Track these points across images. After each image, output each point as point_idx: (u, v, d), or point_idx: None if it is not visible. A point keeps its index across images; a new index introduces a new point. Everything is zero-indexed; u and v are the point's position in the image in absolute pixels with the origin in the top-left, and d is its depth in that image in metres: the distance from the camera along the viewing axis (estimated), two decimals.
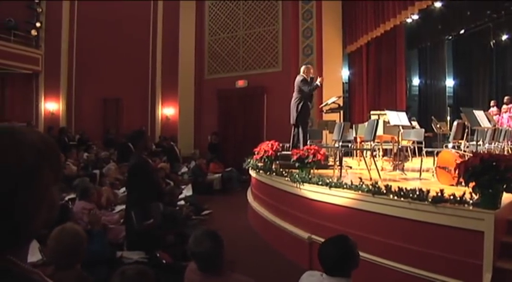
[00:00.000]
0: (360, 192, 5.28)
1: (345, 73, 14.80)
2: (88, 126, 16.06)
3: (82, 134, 14.88)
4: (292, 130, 8.86)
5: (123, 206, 6.78)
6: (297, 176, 6.54)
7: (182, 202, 8.72)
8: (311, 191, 6.21)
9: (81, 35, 17.07)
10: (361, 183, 5.31)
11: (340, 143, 7.43)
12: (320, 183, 6.00)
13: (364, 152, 8.19)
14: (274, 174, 7.49)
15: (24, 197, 0.92)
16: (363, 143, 9.13)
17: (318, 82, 8.62)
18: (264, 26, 14.96)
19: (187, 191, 9.88)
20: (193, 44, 16.42)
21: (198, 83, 16.38)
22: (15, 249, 0.95)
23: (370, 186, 5.14)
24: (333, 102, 9.10)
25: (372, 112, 10.23)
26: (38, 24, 16.94)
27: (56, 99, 17.23)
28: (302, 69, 8.88)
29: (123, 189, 8.54)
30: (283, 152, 8.28)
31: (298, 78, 8.71)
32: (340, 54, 14.15)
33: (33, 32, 16.88)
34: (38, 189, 0.96)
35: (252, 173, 9.04)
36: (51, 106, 17.21)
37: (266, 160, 8.04)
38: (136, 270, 2.70)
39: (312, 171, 6.86)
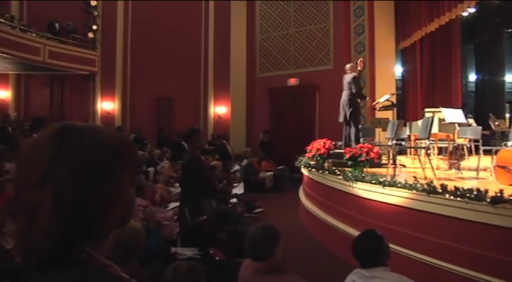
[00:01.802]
0: (414, 191, 5.19)
1: (398, 70, 14.51)
2: (142, 125, 16.46)
3: (137, 132, 15.27)
4: (344, 128, 8.80)
5: (177, 203, 6.94)
6: (349, 174, 6.50)
7: (235, 200, 8.83)
8: (364, 190, 6.16)
9: (135, 36, 17.57)
10: (416, 182, 5.22)
11: (394, 141, 7.33)
12: (373, 181, 5.94)
13: (419, 150, 8.03)
14: (326, 172, 7.47)
15: (101, 195, 0.98)
16: (417, 141, 8.96)
17: (359, 68, 8.60)
18: (315, 23, 14.88)
19: (239, 189, 9.99)
20: (244, 42, 16.53)
21: (250, 82, 16.47)
22: (92, 244, 1.01)
23: (425, 186, 5.04)
24: (386, 100, 8.99)
25: (426, 109, 9.99)
26: (94, 27, 17.57)
27: (112, 99, 17.81)
28: (347, 67, 8.82)
29: (177, 186, 8.74)
30: (335, 150, 8.24)
31: (349, 76, 8.65)
32: (393, 51, 13.89)
33: (90, 35, 17.53)
34: (115, 187, 1.01)
35: (304, 171, 9.03)
36: (107, 105, 17.80)
37: (318, 158, 8.02)
38: (187, 266, 2.79)
39: (365, 169, 6.79)
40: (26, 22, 16.94)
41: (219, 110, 16.92)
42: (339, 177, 6.84)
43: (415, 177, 5.42)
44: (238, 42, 16.45)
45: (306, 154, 8.53)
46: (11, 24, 15.46)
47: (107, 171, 0.99)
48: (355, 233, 6.12)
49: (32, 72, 17.83)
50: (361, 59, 9.50)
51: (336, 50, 14.24)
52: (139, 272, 3.07)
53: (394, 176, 6.33)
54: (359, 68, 8.97)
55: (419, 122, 8.12)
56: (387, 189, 5.64)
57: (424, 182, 5.18)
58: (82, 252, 0.99)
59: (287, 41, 15.60)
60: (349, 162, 6.86)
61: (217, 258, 5.07)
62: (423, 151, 7.79)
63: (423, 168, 6.76)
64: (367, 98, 8.96)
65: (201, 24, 17.12)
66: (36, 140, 1.02)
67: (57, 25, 17.31)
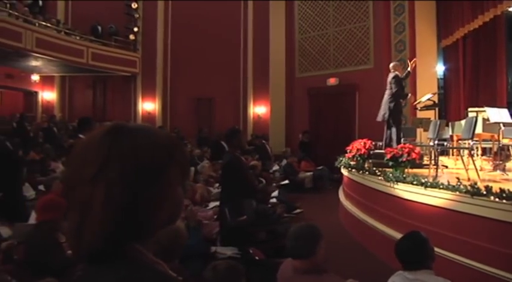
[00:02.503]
0: (457, 193, 5.08)
1: (440, 69, 14.21)
2: (182, 125, 16.67)
3: (177, 132, 15.46)
4: (385, 128, 8.71)
5: (217, 203, 7.01)
6: (390, 175, 6.43)
7: (274, 200, 8.85)
8: (405, 191, 6.08)
9: (175, 37, 17.84)
10: (459, 183, 5.12)
11: (436, 142, 7.20)
12: (415, 182, 5.85)
13: (462, 151, 7.86)
14: (367, 173, 7.41)
15: (152, 194, 1.00)
16: (460, 141, 8.78)
17: (409, 68, 8.46)
18: (355, 22, 14.73)
19: (280, 189, 10.00)
20: (283, 42, 16.50)
21: (289, 82, 16.44)
22: (141, 241, 1.03)
23: (469, 187, 4.93)
24: (428, 99, 8.84)
25: (469, 109, 9.77)
26: (135, 29, 17.93)
27: (152, 100, 18.13)
28: (391, 65, 8.72)
29: (217, 186, 8.83)
30: (376, 151, 8.16)
31: (390, 76, 8.56)
32: (434, 49, 13.61)
33: (131, 37, 17.93)
34: (165, 187, 1.03)
35: (344, 171, 8.98)
36: (148, 106, 18.13)
37: (358, 159, 7.96)
38: (227, 265, 2.82)
39: (406, 170, 6.71)
40: (70, 26, 17.44)
41: (258, 110, 16.97)
42: (380, 177, 6.77)
43: (458, 178, 5.32)
44: (277, 42, 16.44)
45: (346, 154, 8.48)
46: (57, 28, 15.95)
47: (158, 171, 1.02)
48: (395, 234, 6.06)
49: (76, 74, 18.35)
50: (415, 59, 9.32)
51: (376, 49, 14.07)
52: (179, 270, 3.12)
53: (436, 177, 6.23)
54: (409, 69, 8.85)
55: (463, 122, 7.94)
56: (429, 191, 5.55)
57: (467, 183, 5.08)
58: (131, 249, 1.01)
59: (326, 40, 15.51)
60: (390, 163, 6.79)
61: (257, 258, 5.11)
62: (466, 152, 7.61)
63: (466, 170, 6.62)
64: (409, 95, 8.81)
65: (240, 25, 17.21)
66: (88, 138, 1.05)
67: (99, 28, 17.78)
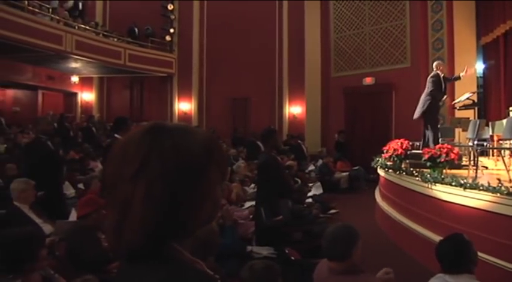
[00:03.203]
0: (498, 194, 4.96)
1: (480, 67, 13.87)
2: (218, 125, 16.77)
3: (213, 132, 15.57)
4: (424, 128, 8.57)
5: (252, 202, 7.02)
6: (428, 175, 6.32)
7: (310, 200, 8.82)
8: (443, 192, 5.97)
9: (211, 38, 17.98)
10: (500, 185, 4.99)
11: (475, 142, 7.05)
12: (453, 184, 5.73)
13: (502, 151, 7.67)
14: (404, 173, 7.30)
15: (191, 193, 1.01)
16: (500, 141, 8.56)
17: (461, 74, 8.28)
18: (391, 21, 14.53)
19: (316, 190, 9.96)
20: (319, 42, 16.41)
21: (325, 81, 16.33)
22: (179, 241, 1.05)
23: (510, 189, 4.82)
24: (467, 99, 8.65)
25: (510, 108, 9.51)
26: (171, 30, 18.16)
27: (188, 100, 18.32)
28: (434, 64, 8.56)
29: (252, 185, 8.85)
30: (413, 151, 8.04)
31: (430, 75, 8.43)
32: (473, 47, 13.28)
33: (168, 38, 18.17)
34: (204, 186, 1.03)
35: (381, 172, 8.88)
36: (184, 106, 18.34)
37: (395, 159, 7.86)
38: (263, 265, 2.83)
39: (444, 171, 6.58)
40: (108, 28, 17.80)
41: (293, 109, 16.93)
42: (417, 178, 6.67)
43: (498, 179, 5.19)
44: (312, 42, 16.36)
45: (383, 154, 8.38)
46: (96, 31, 16.31)
47: (198, 170, 1.02)
48: (433, 236, 5.96)
49: (114, 75, 18.71)
50: (467, 67, 9.02)
51: (413, 48, 13.84)
52: (215, 269, 3.14)
53: (475, 178, 6.09)
54: (461, 74, 8.61)
55: (504, 121, 7.73)
56: (468, 192, 5.44)
57: (508, 184, 4.95)
58: (170, 248, 1.03)
59: (362, 39, 15.36)
60: (428, 163, 6.67)
61: (292, 258, 5.10)
62: (508, 152, 7.43)
63: (508, 170, 6.44)
64: (445, 97, 8.62)
65: (275, 24, 17.19)
66: (128, 137, 1.06)
67: (136, 30, 18.06)
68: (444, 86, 8.31)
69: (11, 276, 2.91)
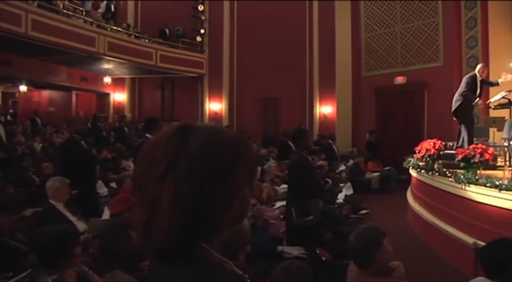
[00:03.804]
0: None
1: None
2: (248, 125, 16.81)
3: (244, 132, 15.61)
4: (459, 128, 8.42)
5: (283, 202, 7.02)
6: (462, 176, 6.20)
7: (341, 200, 8.77)
8: (477, 193, 5.84)
9: (241, 38, 18.05)
10: None
11: (511, 142, 6.89)
12: (488, 185, 5.61)
13: None
14: (436, 174, 7.19)
15: (219, 193, 1.01)
16: None
17: (499, 80, 8.08)
18: (423, 19, 14.29)
19: (346, 190, 9.90)
20: (349, 41, 16.25)
21: (356, 81, 16.18)
22: (208, 240, 1.06)
23: None
24: (502, 98, 8.45)
25: None
26: (202, 31, 18.31)
27: (219, 100, 18.43)
28: (478, 67, 8.34)
29: (283, 185, 8.85)
30: (446, 151, 7.91)
31: (466, 76, 8.26)
32: (509, 44, 12.97)
33: (198, 38, 18.33)
34: (232, 186, 1.04)
35: (413, 172, 8.76)
36: (215, 106, 18.46)
37: (428, 159, 7.74)
38: (297, 266, 2.82)
39: (478, 171, 6.45)
40: (139, 29, 18.04)
41: (324, 109, 16.86)
42: (450, 179, 6.55)
43: None
44: (343, 41, 16.23)
45: (415, 155, 8.27)
46: (127, 32, 16.57)
47: (226, 170, 1.03)
48: (467, 238, 5.85)
49: (145, 76, 18.97)
50: (506, 74, 8.72)
51: (446, 46, 13.59)
52: (245, 269, 3.15)
53: (511, 179, 5.95)
54: (500, 80, 8.37)
55: None
56: (504, 193, 5.32)
57: None
58: (199, 248, 1.03)
59: (393, 38, 15.16)
60: (461, 164, 6.55)
61: (323, 258, 5.08)
62: None
63: None
64: (478, 100, 8.36)
65: (305, 24, 17.15)
66: (157, 137, 1.07)
67: (167, 30, 18.26)
68: (480, 89, 8.11)
69: (47, 271, 2.99)
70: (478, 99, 8.09)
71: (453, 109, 8.15)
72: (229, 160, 1.04)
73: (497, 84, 8.33)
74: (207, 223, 1.02)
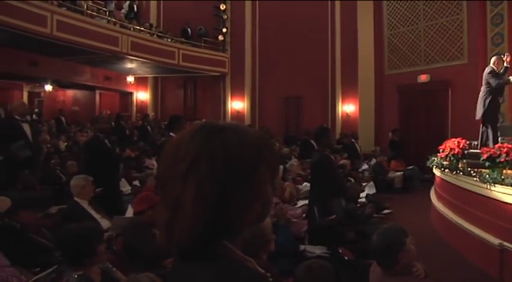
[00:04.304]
0: None
1: None
2: (270, 124, 16.82)
3: (266, 131, 15.60)
4: (481, 127, 8.28)
5: (305, 201, 7.00)
6: (487, 176, 6.10)
7: (363, 200, 8.71)
8: (504, 193, 5.74)
9: (263, 37, 18.07)
10: None
11: None
12: None
13: None
14: (461, 173, 7.09)
15: (241, 192, 1.01)
16: None
17: (505, 64, 7.89)
18: (447, 16, 14.09)
19: (369, 189, 9.83)
20: (372, 39, 16.12)
21: (378, 79, 16.04)
22: (231, 238, 1.06)
23: None
24: None
25: None
26: (224, 30, 18.37)
27: (241, 98, 18.48)
28: (492, 60, 8.21)
29: (305, 184, 8.83)
30: (470, 150, 7.79)
31: (486, 70, 8.07)
32: None
33: (220, 37, 18.39)
34: (254, 184, 1.04)
35: (436, 171, 8.66)
36: (237, 105, 18.52)
37: (452, 158, 7.64)
38: (320, 266, 2.81)
39: (504, 171, 6.34)
40: (162, 29, 18.18)
41: (347, 108, 16.78)
42: (475, 179, 6.45)
43: None
44: (365, 39, 16.11)
45: (438, 154, 8.17)
46: (150, 32, 16.73)
47: (248, 169, 1.03)
48: (493, 239, 5.76)
49: (168, 75, 19.11)
50: (507, 53, 8.48)
51: (471, 44, 13.38)
52: (267, 267, 3.15)
53: None
54: (506, 65, 8.15)
55: None
56: None
57: None
58: (221, 246, 1.04)
59: (417, 36, 14.99)
60: (487, 163, 6.44)
61: (346, 258, 5.05)
62: None
63: None
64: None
65: (327, 22, 17.07)
66: (180, 136, 1.08)
67: (189, 30, 18.37)
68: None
69: (72, 268, 3.04)
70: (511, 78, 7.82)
71: (486, 107, 7.96)
72: (251, 159, 1.04)
73: (510, 82, 8.10)
74: (229, 221, 1.02)
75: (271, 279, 1.13)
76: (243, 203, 1.03)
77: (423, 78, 14.59)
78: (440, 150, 8.04)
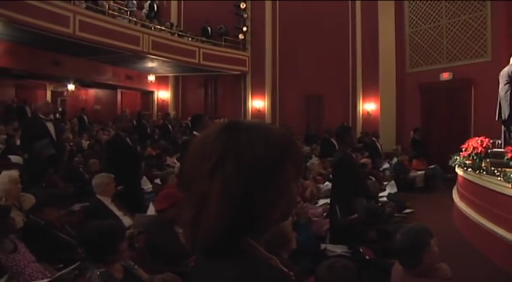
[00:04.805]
0: None
1: None
2: (291, 122, 16.78)
3: (286, 129, 15.56)
4: (502, 126, 8.16)
5: (326, 200, 6.98)
6: (511, 175, 6.02)
7: (384, 199, 8.65)
8: None
9: (283, 36, 18.07)
10: None
11: None
12: None
13: None
14: (484, 173, 6.99)
15: (266, 189, 1.01)
16: None
17: None
18: (470, 12, 13.88)
19: (390, 188, 9.75)
20: (393, 37, 15.97)
21: (400, 77, 15.89)
22: (254, 236, 1.06)
23: None
24: None
25: None
26: (244, 29, 18.40)
27: (262, 97, 18.50)
28: None
29: (326, 183, 8.80)
30: (494, 150, 7.68)
31: (508, 69, 7.95)
32: None
33: (241, 36, 18.43)
34: (280, 183, 1.04)
35: (459, 171, 8.56)
36: (258, 103, 18.55)
37: (475, 158, 7.53)
38: (342, 264, 2.80)
39: None
40: (182, 28, 18.29)
41: (367, 106, 16.70)
42: (499, 178, 6.36)
43: None
44: (386, 37, 15.97)
45: (461, 153, 8.07)
46: (171, 31, 16.84)
47: (274, 167, 1.03)
48: None
49: (189, 74, 19.22)
50: None
51: (494, 41, 13.16)
52: (288, 266, 3.15)
53: None
54: None
55: None
56: None
57: None
58: (246, 244, 1.04)
59: (439, 33, 14.80)
60: (511, 163, 6.35)
61: (367, 257, 5.03)
62: None
63: None
64: None
65: (348, 20, 17.00)
66: (206, 134, 1.09)
67: (209, 29, 18.44)
68: None
69: (95, 265, 3.09)
70: None
71: (508, 113, 7.82)
72: (277, 157, 1.04)
73: None
74: (254, 220, 1.03)
75: (294, 278, 1.13)
76: (268, 201, 1.03)
77: (445, 76, 14.41)
78: (463, 149, 7.95)
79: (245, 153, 1.01)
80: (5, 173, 5.03)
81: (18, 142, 9.21)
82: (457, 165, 8.53)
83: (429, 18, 15.08)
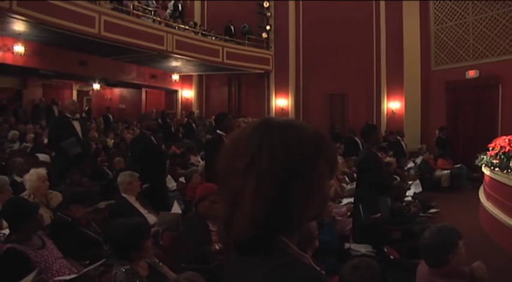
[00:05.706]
0: None
1: None
2: (315, 121, 16.65)
3: None
4: None
5: (350, 199, 6.94)
6: None
7: (409, 198, 8.56)
8: None
9: (307, 34, 18.01)
10: None
11: None
12: None
13: None
14: (511, 172, 6.88)
15: (300, 188, 1.02)
16: None
17: None
18: (497, 8, 13.61)
19: (415, 188, 9.65)
20: (418, 35, 15.78)
21: (425, 75, 15.71)
22: (287, 234, 1.07)
23: None
24: None
25: None
26: (267, 28, 18.41)
27: (285, 96, 18.49)
28: None
29: (349, 182, 8.75)
30: None
31: None
32: None
33: (264, 35, 18.45)
34: (313, 180, 1.05)
35: (486, 170, 8.42)
36: (281, 102, 18.55)
37: (502, 157, 7.42)
38: (367, 264, 2.78)
39: None
40: (206, 27, 18.38)
41: (392, 105, 16.56)
42: None
43: None
44: (411, 35, 15.79)
45: (488, 152, 7.95)
46: (194, 30, 16.93)
47: (307, 164, 1.04)
48: None
49: (212, 73, 19.30)
50: None
51: None
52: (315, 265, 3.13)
53: None
54: None
55: None
56: None
57: None
58: (279, 241, 1.05)
59: (465, 30, 14.57)
60: None
61: (391, 257, 4.98)
62: None
63: None
64: None
65: (372, 18, 16.87)
66: (240, 132, 1.10)
67: (233, 28, 18.50)
68: None
69: (120, 262, 3.13)
70: None
71: None
72: (311, 154, 1.05)
73: None
74: (288, 217, 1.03)
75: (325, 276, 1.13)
76: (302, 199, 1.04)
77: (472, 73, 14.18)
78: (490, 149, 7.83)
79: (279, 151, 1.02)
80: (33, 170, 5.14)
81: (45, 141, 9.39)
82: (483, 165, 8.40)
83: (455, 15, 14.86)
